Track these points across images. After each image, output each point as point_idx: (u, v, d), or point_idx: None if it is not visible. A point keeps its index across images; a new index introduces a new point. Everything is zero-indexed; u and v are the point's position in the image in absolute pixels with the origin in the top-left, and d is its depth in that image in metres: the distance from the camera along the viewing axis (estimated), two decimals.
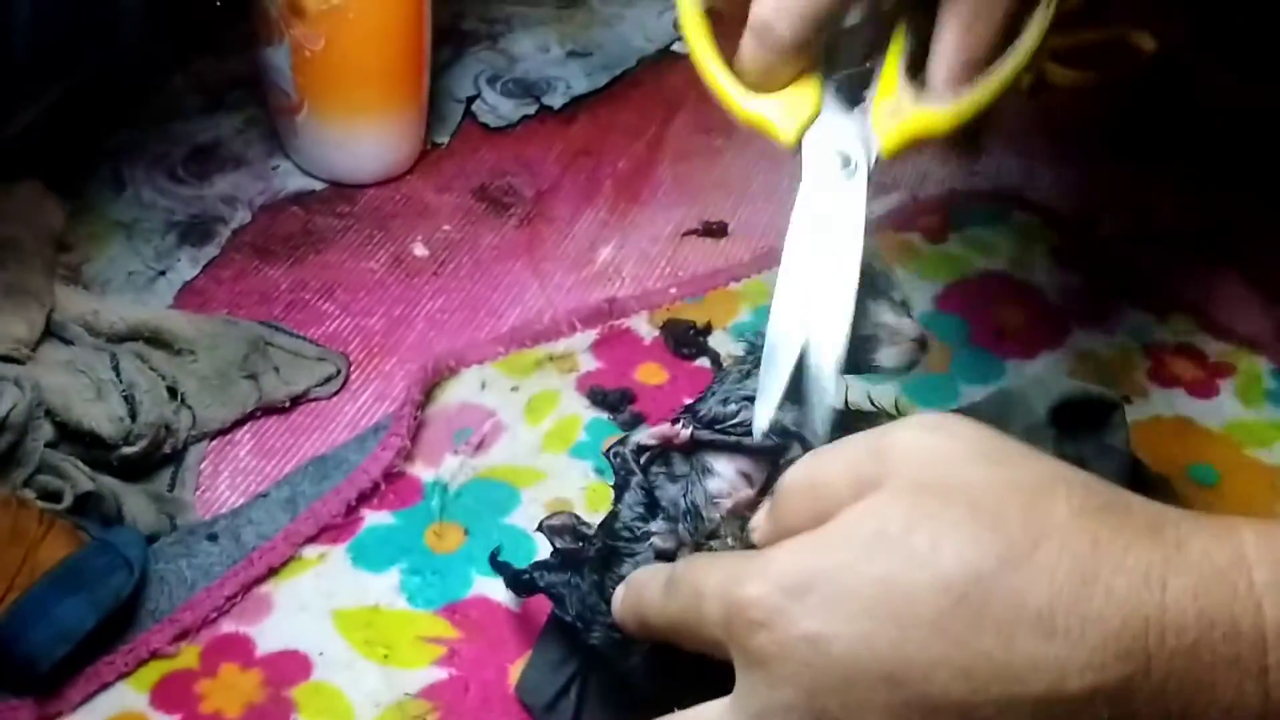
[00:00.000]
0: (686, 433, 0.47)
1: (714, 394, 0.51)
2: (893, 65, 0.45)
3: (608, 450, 0.48)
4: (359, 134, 0.71)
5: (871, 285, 0.48)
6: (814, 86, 0.46)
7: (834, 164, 0.45)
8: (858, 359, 0.47)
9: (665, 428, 0.47)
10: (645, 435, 0.48)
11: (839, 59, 0.47)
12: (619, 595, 0.42)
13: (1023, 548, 0.33)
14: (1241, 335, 0.66)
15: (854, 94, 0.46)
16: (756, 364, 0.51)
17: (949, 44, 0.44)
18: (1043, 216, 0.73)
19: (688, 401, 0.54)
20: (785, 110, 0.46)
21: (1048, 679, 0.32)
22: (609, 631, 0.44)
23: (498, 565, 0.51)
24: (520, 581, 0.50)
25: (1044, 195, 0.75)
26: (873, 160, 0.45)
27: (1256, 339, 0.66)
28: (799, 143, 0.46)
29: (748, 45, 0.44)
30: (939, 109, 0.44)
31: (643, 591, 0.40)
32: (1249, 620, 0.32)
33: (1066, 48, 0.84)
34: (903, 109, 0.45)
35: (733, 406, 0.48)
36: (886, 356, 0.47)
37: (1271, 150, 0.77)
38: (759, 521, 0.40)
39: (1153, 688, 0.32)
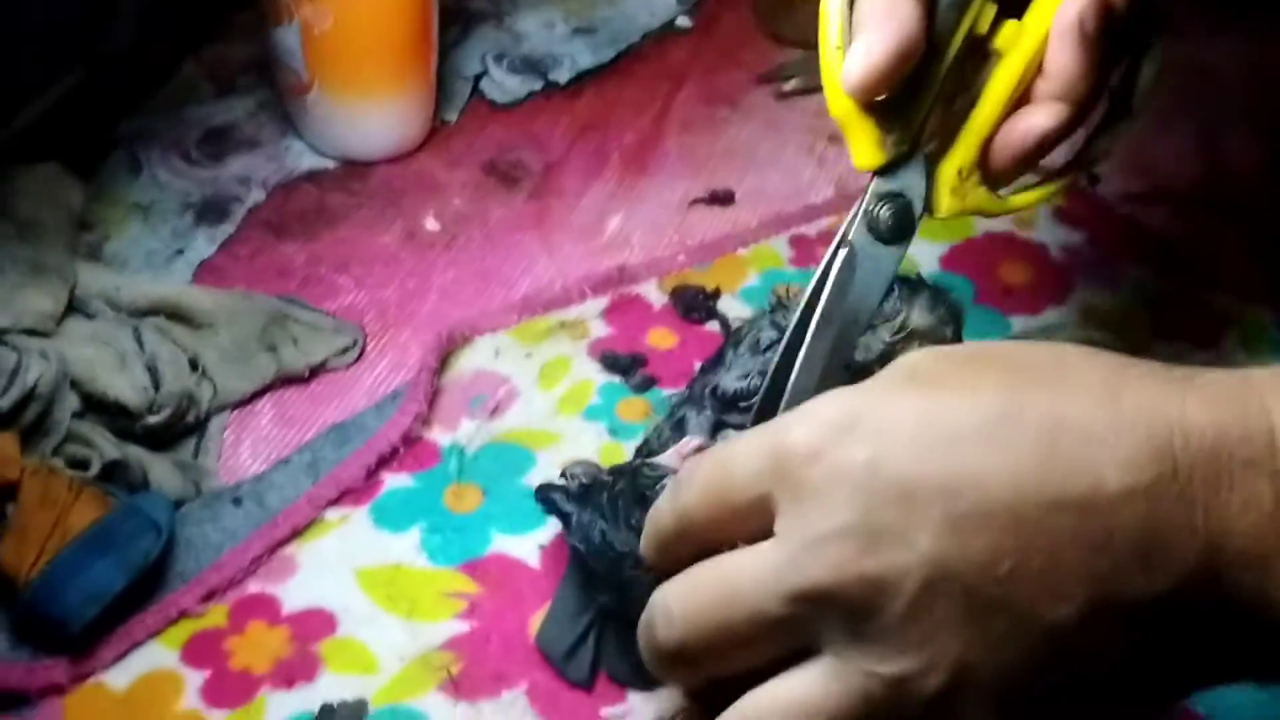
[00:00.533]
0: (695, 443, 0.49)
1: (729, 367, 0.52)
2: (973, 132, 0.45)
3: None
4: (369, 112, 0.73)
5: (910, 291, 0.50)
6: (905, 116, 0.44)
7: (886, 203, 0.45)
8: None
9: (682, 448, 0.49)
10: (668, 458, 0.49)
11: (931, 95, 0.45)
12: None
13: (1052, 373, 0.35)
14: (1243, 287, 0.67)
15: (937, 134, 0.46)
16: (768, 328, 0.52)
17: (1019, 133, 0.45)
18: (1044, 175, 0.73)
19: (700, 366, 0.55)
20: (872, 132, 0.44)
21: (1088, 480, 0.33)
22: (617, 563, 0.45)
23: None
24: (542, 498, 0.51)
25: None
26: (923, 209, 0.45)
27: (1258, 291, 0.67)
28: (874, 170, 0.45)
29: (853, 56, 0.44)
30: (998, 201, 0.46)
31: (654, 509, 0.40)
32: (1261, 427, 0.34)
33: None
34: (966, 188, 0.45)
35: (755, 381, 0.50)
36: None
37: (1271, 107, 0.78)
38: (660, 504, 0.39)
39: (1179, 487, 0.34)
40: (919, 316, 0.52)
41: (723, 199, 0.73)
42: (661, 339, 0.64)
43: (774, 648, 0.35)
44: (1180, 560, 0.34)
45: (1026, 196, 0.47)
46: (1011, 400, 0.35)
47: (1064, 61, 0.44)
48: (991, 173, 0.46)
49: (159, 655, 0.51)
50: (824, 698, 0.34)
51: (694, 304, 0.66)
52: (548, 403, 0.61)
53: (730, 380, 0.52)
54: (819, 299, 0.43)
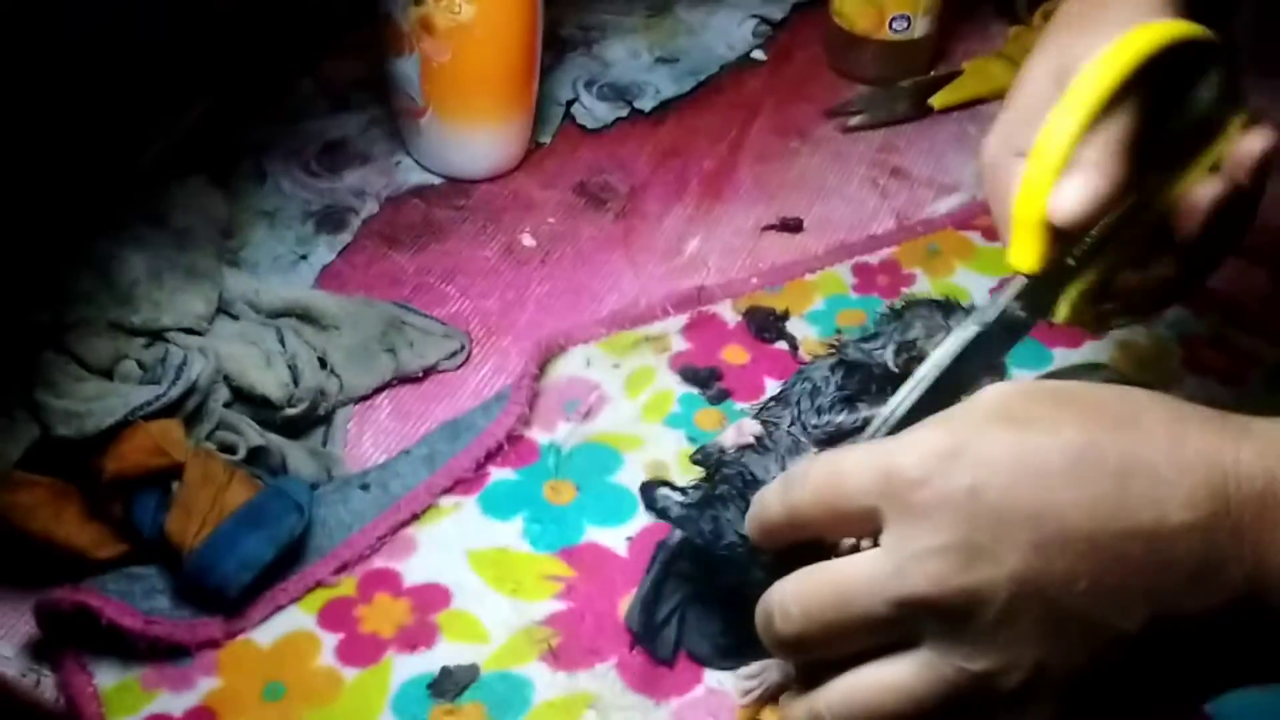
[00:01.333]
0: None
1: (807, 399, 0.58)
2: (1103, 269, 0.52)
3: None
4: (475, 135, 0.80)
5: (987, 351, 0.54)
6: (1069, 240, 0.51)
7: (1023, 303, 0.51)
8: None
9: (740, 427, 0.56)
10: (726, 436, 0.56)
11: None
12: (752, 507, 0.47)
13: (1127, 417, 0.41)
14: (1271, 330, 0.73)
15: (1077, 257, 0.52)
16: (838, 368, 0.58)
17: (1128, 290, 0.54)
18: None
19: (773, 396, 0.61)
20: (1040, 243, 0.50)
21: (1155, 515, 0.39)
22: (734, 547, 0.52)
23: (647, 491, 0.59)
24: (654, 507, 0.58)
25: None
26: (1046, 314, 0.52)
27: None
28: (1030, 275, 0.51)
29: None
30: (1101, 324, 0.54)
31: (762, 498, 0.45)
32: None
33: None
34: (1083, 309, 0.52)
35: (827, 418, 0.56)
36: None
37: None
38: (769, 496, 0.44)
39: (1232, 522, 0.39)
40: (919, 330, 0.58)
41: (792, 226, 0.80)
42: (735, 355, 0.71)
43: (878, 640, 0.41)
44: (1229, 583, 0.39)
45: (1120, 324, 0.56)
46: (1091, 442, 0.40)
47: (1189, 232, 0.52)
48: (1103, 308, 0.53)
49: (299, 618, 0.58)
50: (917, 683, 0.40)
51: (765, 324, 0.72)
52: (633, 409, 0.68)
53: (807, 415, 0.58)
54: (937, 361, 0.49)
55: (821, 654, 0.42)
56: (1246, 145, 0.52)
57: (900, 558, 0.40)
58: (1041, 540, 0.39)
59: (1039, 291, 0.51)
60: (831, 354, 0.59)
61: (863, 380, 0.57)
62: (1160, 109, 0.51)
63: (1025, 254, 0.50)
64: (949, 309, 0.57)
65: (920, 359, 0.56)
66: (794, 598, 0.42)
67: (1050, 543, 0.39)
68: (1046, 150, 0.49)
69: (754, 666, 0.56)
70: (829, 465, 0.43)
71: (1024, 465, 0.40)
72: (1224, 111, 0.53)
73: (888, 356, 0.57)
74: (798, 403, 0.57)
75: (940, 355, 0.49)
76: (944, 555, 0.39)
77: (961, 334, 0.50)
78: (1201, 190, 0.52)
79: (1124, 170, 0.50)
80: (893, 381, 0.56)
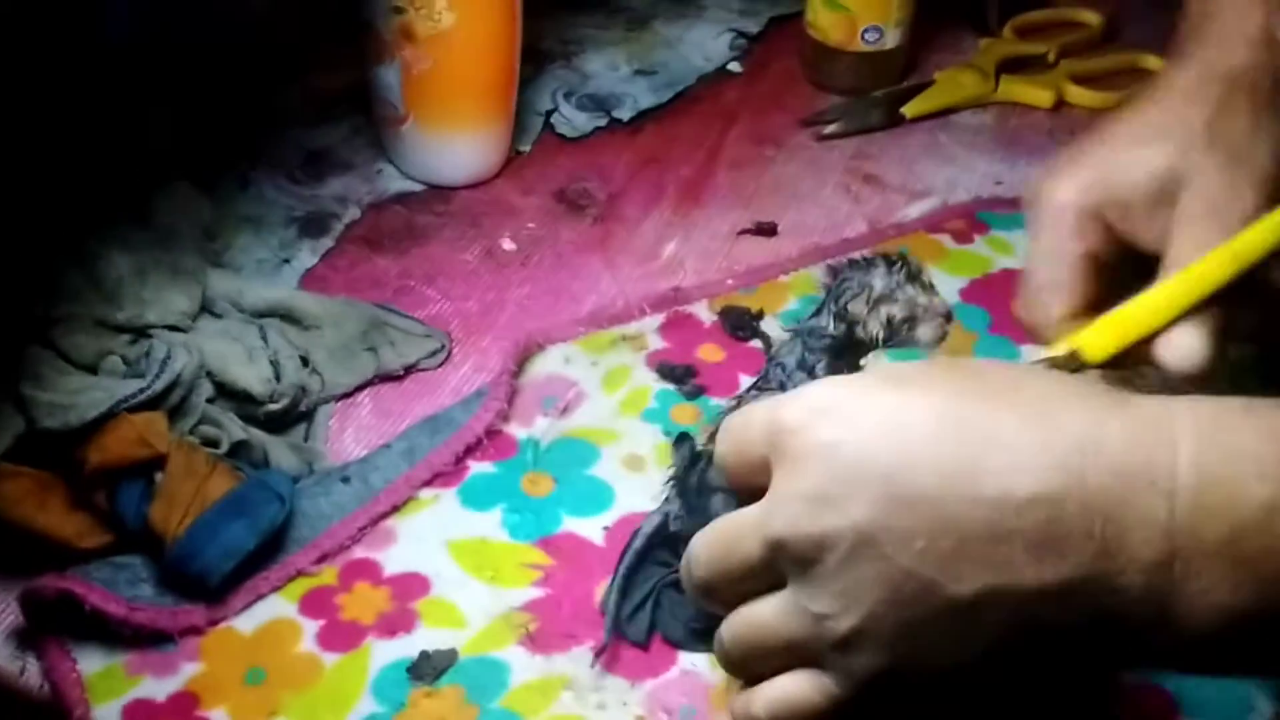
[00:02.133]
0: None
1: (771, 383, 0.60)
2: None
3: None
4: (456, 142, 0.82)
5: (908, 274, 0.58)
6: None
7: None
8: (900, 337, 0.57)
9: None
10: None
11: None
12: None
13: (1003, 391, 0.42)
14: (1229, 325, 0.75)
15: None
16: (802, 348, 0.60)
17: (1167, 251, 0.54)
18: None
19: (752, 385, 0.63)
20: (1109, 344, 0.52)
21: (1002, 484, 0.40)
22: None
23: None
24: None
25: None
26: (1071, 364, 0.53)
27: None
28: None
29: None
30: (1125, 305, 0.53)
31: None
32: (1165, 453, 0.40)
33: (1085, 71, 0.93)
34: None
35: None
36: (923, 332, 0.57)
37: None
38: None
39: (1084, 497, 0.39)
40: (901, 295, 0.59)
41: (767, 230, 0.81)
42: (711, 353, 0.72)
43: (759, 583, 0.43)
44: (1073, 559, 0.39)
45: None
46: (958, 408, 0.41)
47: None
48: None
49: (280, 606, 0.59)
50: (774, 619, 0.43)
51: (740, 323, 0.74)
52: (611, 405, 0.69)
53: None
54: None
55: (728, 597, 0.44)
56: None
57: (772, 501, 0.42)
58: (888, 496, 0.40)
59: (1063, 365, 0.52)
60: (792, 337, 0.60)
61: (833, 349, 0.59)
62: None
63: (1093, 349, 0.52)
64: (890, 263, 0.59)
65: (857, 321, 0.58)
66: (700, 545, 0.45)
67: (897, 500, 0.40)
68: (1175, 294, 0.51)
69: None
70: (740, 415, 0.45)
71: (887, 424, 0.42)
72: None
73: (829, 324, 0.59)
74: (781, 385, 0.59)
75: None
76: (801, 501, 0.41)
77: None
78: None
79: (1221, 348, 0.52)
80: (852, 347, 0.59)
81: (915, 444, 0.41)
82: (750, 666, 0.44)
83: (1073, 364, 0.52)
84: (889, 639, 0.41)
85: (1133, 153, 0.55)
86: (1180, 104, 0.56)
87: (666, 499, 0.59)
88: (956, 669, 0.42)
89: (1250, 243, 0.52)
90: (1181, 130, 0.55)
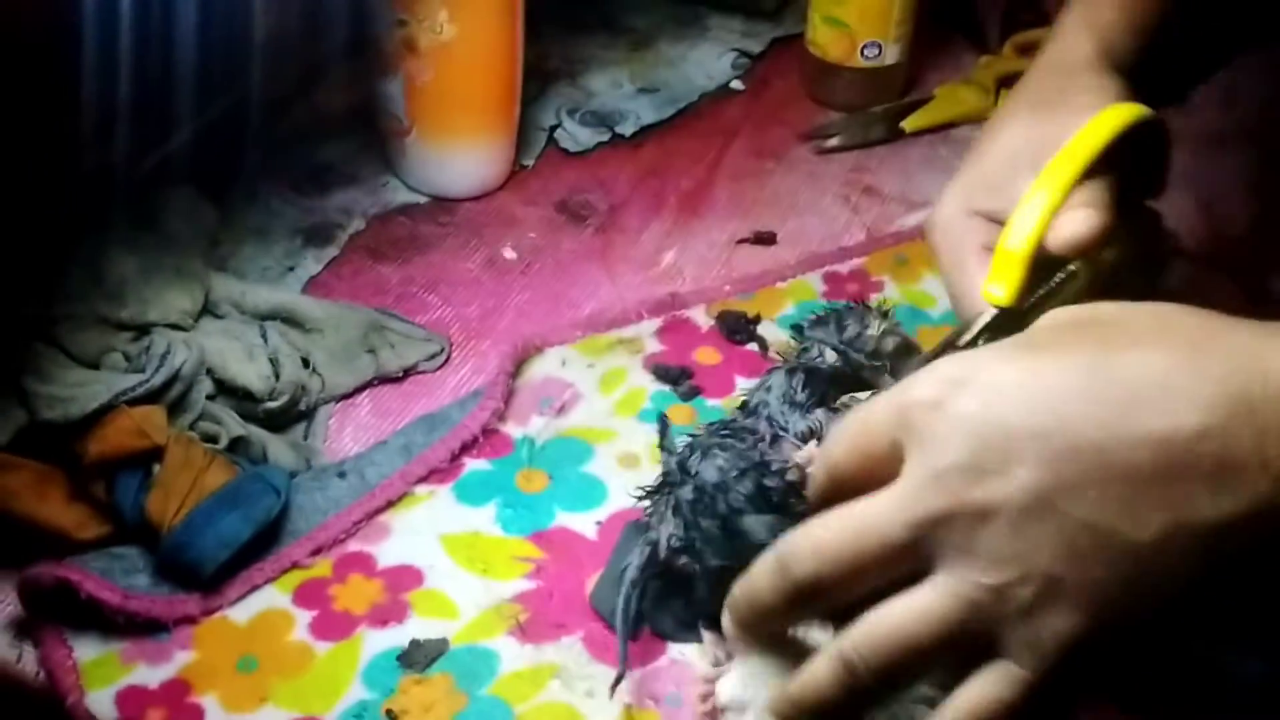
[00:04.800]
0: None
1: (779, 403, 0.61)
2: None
3: None
4: (459, 154, 0.83)
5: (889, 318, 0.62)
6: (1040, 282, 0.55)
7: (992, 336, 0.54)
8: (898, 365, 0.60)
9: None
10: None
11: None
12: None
13: (1146, 334, 0.41)
14: None
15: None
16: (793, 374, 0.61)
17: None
18: None
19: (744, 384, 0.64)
20: (1020, 281, 0.55)
21: (1167, 421, 0.39)
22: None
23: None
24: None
25: None
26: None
27: None
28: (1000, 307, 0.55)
29: None
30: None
31: (811, 480, 0.46)
32: None
33: None
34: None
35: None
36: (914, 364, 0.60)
37: (1271, 176, 0.86)
38: (813, 472, 0.46)
39: (1258, 425, 0.39)
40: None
41: (766, 239, 0.82)
42: (707, 356, 0.73)
43: (897, 571, 0.41)
44: (1250, 486, 0.39)
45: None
46: (1101, 359, 0.41)
47: None
48: None
49: (274, 597, 0.60)
50: (938, 607, 0.41)
51: (737, 327, 0.75)
52: (606, 405, 0.70)
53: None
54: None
55: (838, 597, 0.42)
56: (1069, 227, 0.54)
57: (915, 481, 0.41)
58: (1050, 453, 0.40)
59: (1001, 326, 0.54)
60: (780, 365, 0.62)
61: (817, 384, 0.60)
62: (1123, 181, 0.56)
63: (1007, 290, 0.54)
64: (866, 308, 0.62)
65: (875, 354, 0.60)
66: (807, 541, 0.43)
67: (1059, 455, 0.40)
68: (1042, 196, 0.54)
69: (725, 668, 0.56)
70: (856, 415, 0.44)
71: (1032, 385, 0.41)
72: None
73: (829, 357, 0.60)
74: (767, 416, 0.59)
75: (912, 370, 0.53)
76: (956, 473, 0.40)
77: (932, 354, 0.54)
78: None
79: (1113, 215, 0.54)
80: (843, 378, 0.60)
81: (1066, 400, 0.40)
82: (896, 678, 0.42)
83: (1006, 320, 0.54)
84: (1076, 597, 0.40)
85: (985, 147, 0.59)
86: (1014, 94, 0.61)
87: (650, 514, 0.59)
88: (1149, 615, 0.40)
89: (1087, 138, 0.54)
90: (1018, 109, 0.59)
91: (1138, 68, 0.61)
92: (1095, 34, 0.61)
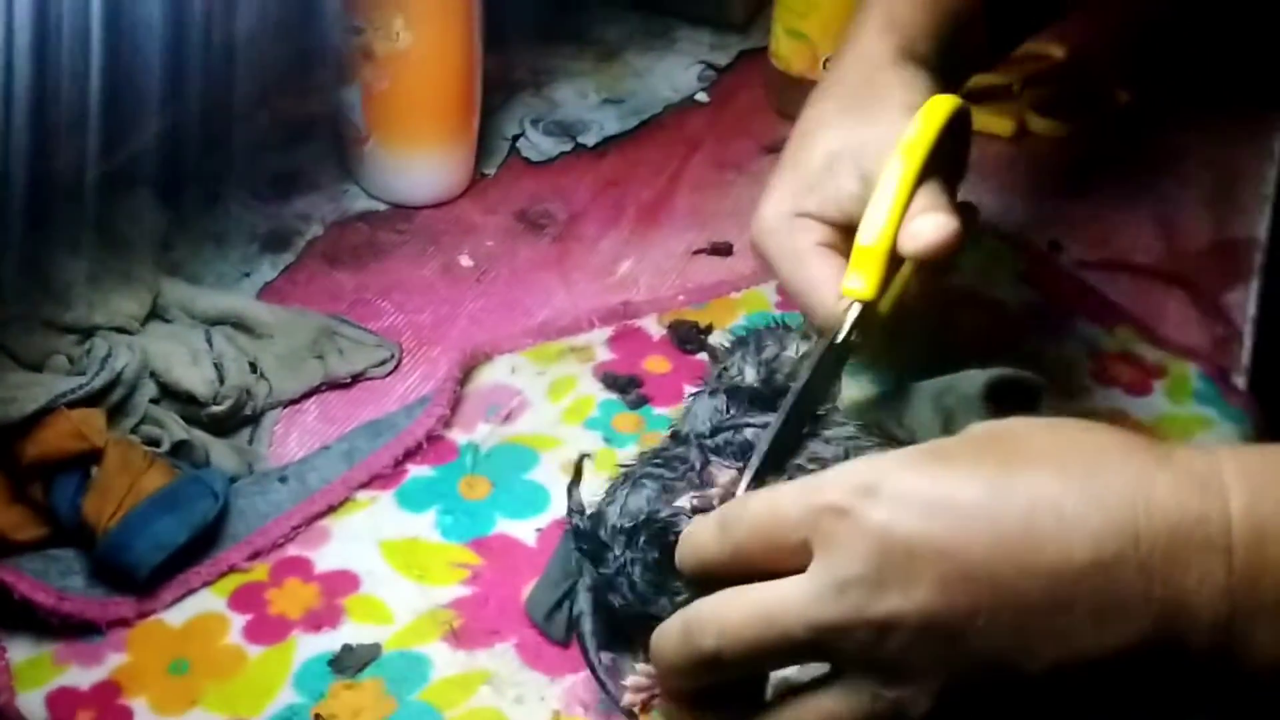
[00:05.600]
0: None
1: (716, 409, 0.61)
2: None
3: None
4: (416, 162, 0.83)
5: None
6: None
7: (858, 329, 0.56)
8: None
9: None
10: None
11: None
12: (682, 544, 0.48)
13: (1049, 453, 0.42)
14: (1179, 346, 0.75)
15: None
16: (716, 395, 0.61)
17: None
18: (1012, 243, 0.82)
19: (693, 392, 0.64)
20: (880, 275, 0.57)
21: (1057, 552, 0.40)
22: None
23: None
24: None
25: (1017, 227, 0.85)
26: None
27: (1191, 349, 0.75)
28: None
29: None
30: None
31: (696, 538, 0.47)
32: (1217, 510, 0.40)
33: (1046, 99, 0.94)
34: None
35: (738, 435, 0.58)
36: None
37: (1223, 193, 0.87)
38: (704, 536, 0.46)
39: (1140, 559, 0.40)
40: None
41: (722, 250, 0.82)
42: (657, 365, 0.73)
43: (798, 661, 0.43)
44: (1136, 624, 0.39)
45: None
46: (1006, 480, 0.41)
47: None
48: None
49: (210, 601, 0.60)
50: (843, 710, 0.42)
51: (688, 337, 0.75)
52: (554, 413, 0.70)
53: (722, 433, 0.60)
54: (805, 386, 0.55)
55: (734, 674, 0.44)
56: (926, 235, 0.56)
57: (820, 585, 0.42)
58: (946, 575, 0.40)
59: (864, 316, 0.56)
60: (701, 389, 0.62)
61: (740, 401, 0.61)
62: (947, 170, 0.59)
63: (868, 285, 0.56)
64: (785, 328, 0.63)
65: (783, 370, 0.61)
66: (713, 617, 0.44)
67: (954, 578, 0.40)
68: (889, 193, 0.56)
69: (645, 679, 0.56)
70: (766, 503, 0.45)
71: (936, 502, 0.42)
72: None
73: (750, 376, 0.61)
74: (697, 444, 0.59)
75: (804, 376, 0.56)
76: (858, 586, 0.41)
77: (817, 355, 0.56)
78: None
79: (957, 215, 0.56)
80: (761, 397, 0.60)
81: (966, 519, 0.41)
82: None
83: (869, 316, 0.56)
84: (967, 713, 0.41)
85: (801, 151, 0.60)
86: (819, 97, 0.62)
87: (572, 560, 0.59)
88: None
89: (921, 134, 0.56)
90: (827, 111, 0.61)
91: (938, 55, 0.63)
92: (894, 30, 0.62)
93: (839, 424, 0.57)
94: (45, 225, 0.70)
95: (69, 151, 0.75)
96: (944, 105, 0.58)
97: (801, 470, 0.54)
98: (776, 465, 0.53)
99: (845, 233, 0.58)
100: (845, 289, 0.56)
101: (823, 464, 0.53)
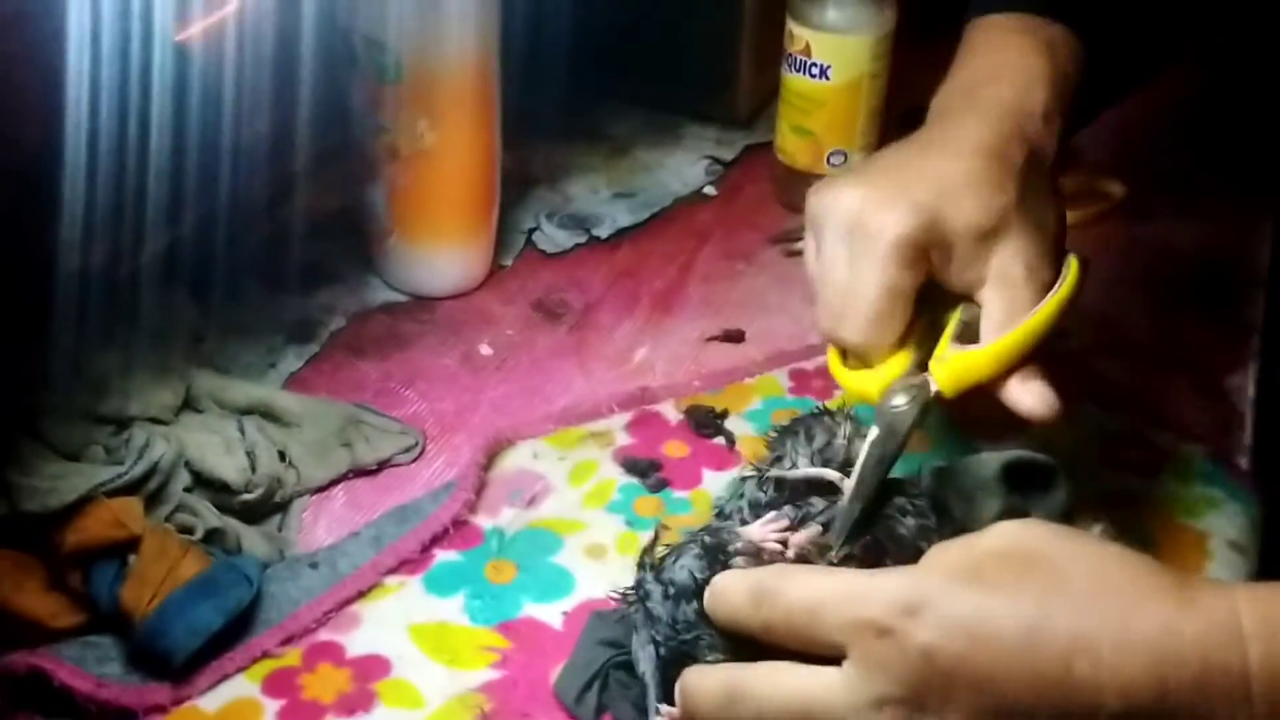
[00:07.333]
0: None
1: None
2: (946, 335, 0.60)
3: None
4: (439, 256, 0.86)
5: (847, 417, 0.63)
6: (902, 359, 0.60)
7: (901, 400, 0.58)
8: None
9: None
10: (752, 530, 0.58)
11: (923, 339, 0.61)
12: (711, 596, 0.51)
13: (1088, 590, 0.44)
14: (1183, 428, 0.77)
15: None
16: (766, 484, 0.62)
17: (991, 307, 0.58)
18: None
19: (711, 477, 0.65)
20: (875, 378, 0.60)
21: (1091, 699, 0.42)
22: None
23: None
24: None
25: None
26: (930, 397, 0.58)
27: (1196, 432, 0.77)
28: (880, 395, 0.59)
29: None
30: (975, 349, 0.59)
31: (730, 601, 0.49)
32: (1238, 660, 0.42)
33: None
34: (948, 355, 0.59)
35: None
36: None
37: (1220, 282, 0.90)
38: (740, 603, 0.48)
39: (1167, 711, 0.42)
40: None
41: (735, 337, 0.85)
42: (676, 449, 0.75)
43: None
44: None
45: (1004, 340, 0.60)
46: (1046, 615, 0.43)
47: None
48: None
49: (244, 687, 0.61)
50: None
51: (705, 421, 0.77)
52: (576, 497, 0.71)
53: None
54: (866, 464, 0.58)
55: None
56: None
57: (858, 697, 0.44)
58: (983, 707, 0.42)
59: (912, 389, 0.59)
60: (754, 476, 0.62)
61: (790, 491, 0.61)
62: None
63: (948, 387, 0.59)
64: (829, 414, 0.63)
65: (847, 463, 0.61)
66: (755, 695, 0.45)
67: (990, 711, 0.42)
68: (1003, 341, 0.59)
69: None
70: (807, 603, 0.46)
71: (978, 632, 0.43)
72: None
73: (806, 467, 0.61)
74: (741, 520, 0.60)
75: (867, 458, 0.57)
76: (896, 706, 0.43)
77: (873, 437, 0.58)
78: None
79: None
80: (813, 487, 0.61)
81: (1007, 654, 0.43)
82: None
83: (926, 395, 0.58)
84: None
85: (964, 200, 0.58)
86: (997, 159, 0.59)
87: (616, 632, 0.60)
88: None
89: (1047, 312, 0.59)
90: (1003, 187, 0.59)
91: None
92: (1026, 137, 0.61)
93: (914, 495, 0.59)
94: (82, 319, 0.72)
95: (104, 247, 0.78)
96: (1075, 269, 0.61)
97: (879, 545, 0.55)
98: (855, 534, 0.55)
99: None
100: (935, 375, 0.58)
101: (899, 544, 0.55)
